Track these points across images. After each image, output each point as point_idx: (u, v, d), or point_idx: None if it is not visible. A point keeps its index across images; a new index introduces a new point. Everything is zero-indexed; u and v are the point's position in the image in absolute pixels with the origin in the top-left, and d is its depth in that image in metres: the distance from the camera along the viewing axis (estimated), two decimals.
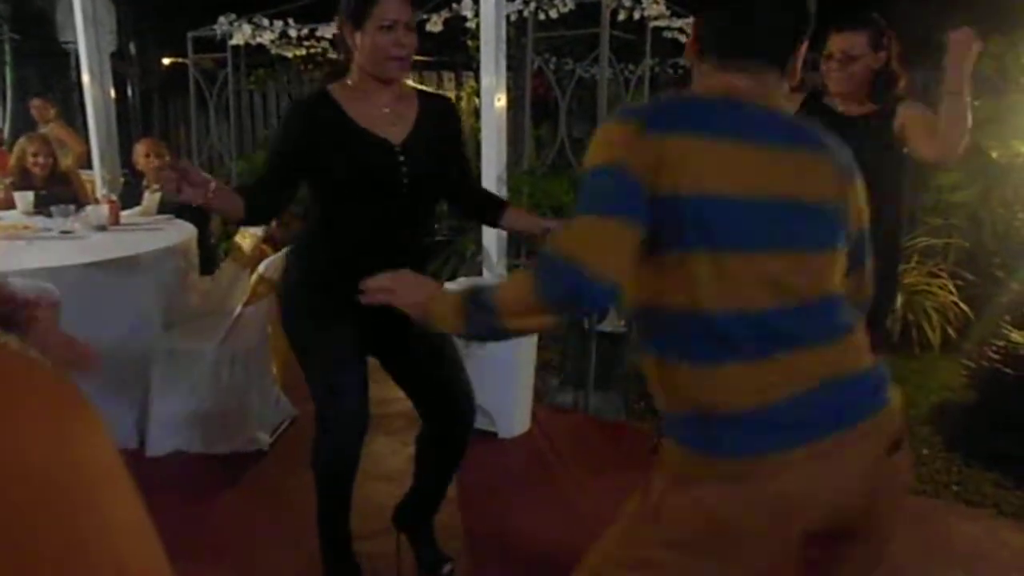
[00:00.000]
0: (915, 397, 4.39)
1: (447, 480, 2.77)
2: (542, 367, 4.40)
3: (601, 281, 1.33)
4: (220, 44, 7.31)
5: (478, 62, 4.29)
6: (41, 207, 4.52)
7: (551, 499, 3.36)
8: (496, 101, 4.13)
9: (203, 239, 4.72)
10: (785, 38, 1.53)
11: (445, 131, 2.56)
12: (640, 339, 1.56)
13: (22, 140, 5.39)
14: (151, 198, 5.05)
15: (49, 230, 4.12)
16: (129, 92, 11.37)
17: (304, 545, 2.83)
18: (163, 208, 4.86)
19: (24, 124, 8.33)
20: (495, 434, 3.92)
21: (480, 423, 3.87)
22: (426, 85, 2.79)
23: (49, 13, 9.45)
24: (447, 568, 2.82)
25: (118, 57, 7.70)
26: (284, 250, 3.74)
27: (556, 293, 1.36)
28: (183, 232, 4.29)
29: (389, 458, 3.49)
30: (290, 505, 3.22)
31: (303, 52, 7.60)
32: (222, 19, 6.91)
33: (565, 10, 5.23)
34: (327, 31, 6.57)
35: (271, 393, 3.93)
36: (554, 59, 6.83)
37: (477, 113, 6.90)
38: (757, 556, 1.48)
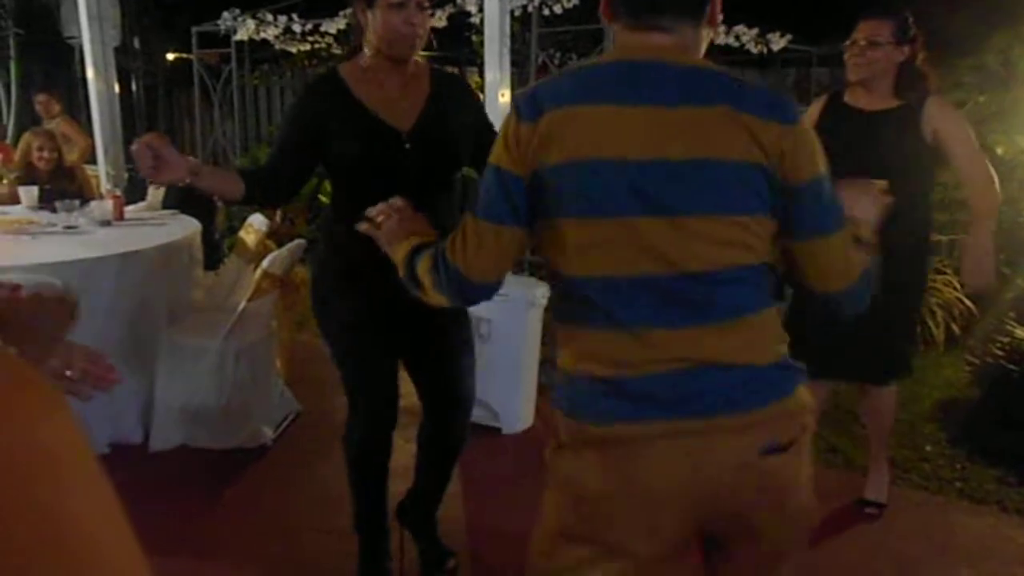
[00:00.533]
0: (919, 394, 4.38)
1: (447, 475, 2.77)
2: (546, 362, 4.39)
3: (481, 282, 1.54)
4: (224, 39, 7.32)
5: (482, 58, 4.28)
6: (46, 202, 4.52)
7: None
8: (500, 97, 4.12)
9: (207, 234, 4.73)
10: None
11: (461, 110, 2.50)
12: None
13: (27, 135, 5.40)
14: (155, 193, 5.06)
15: (54, 225, 4.13)
16: (133, 87, 11.37)
17: (308, 540, 2.83)
18: (167, 203, 4.87)
19: (29, 119, 8.35)
20: (499, 429, 3.92)
21: (484, 418, 3.88)
22: None
23: (53, 8, 9.45)
24: (451, 563, 2.82)
25: (122, 52, 7.69)
26: (289, 245, 3.75)
27: (447, 290, 1.56)
28: (187, 227, 4.29)
29: (394, 454, 3.49)
30: (294, 500, 3.23)
31: (307, 47, 7.60)
32: (226, 14, 6.91)
33: (569, 5, 5.22)
34: (331, 26, 6.57)
35: (275, 388, 3.93)
36: (558, 54, 6.83)
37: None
38: (634, 541, 1.44)
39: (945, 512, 3.33)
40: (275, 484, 3.43)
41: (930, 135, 2.89)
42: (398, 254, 1.67)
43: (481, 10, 4.57)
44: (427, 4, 2.33)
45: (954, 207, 5.39)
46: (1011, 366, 4.07)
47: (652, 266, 1.39)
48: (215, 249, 5.14)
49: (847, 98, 3.05)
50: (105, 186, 5.43)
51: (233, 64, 7.44)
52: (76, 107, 9.17)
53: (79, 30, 5.58)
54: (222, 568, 2.85)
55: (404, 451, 3.50)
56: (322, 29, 6.79)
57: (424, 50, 2.72)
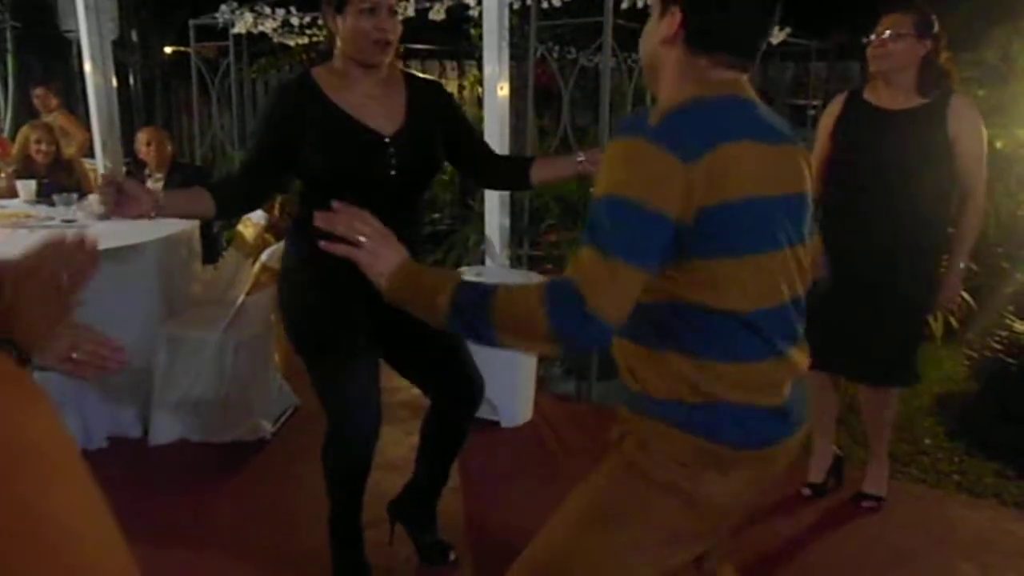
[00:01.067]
0: (918, 387, 4.38)
1: (449, 466, 2.76)
2: (544, 356, 4.40)
3: (612, 325, 1.34)
4: (222, 32, 7.30)
5: (481, 51, 4.27)
6: (44, 195, 4.51)
7: (553, 488, 3.36)
8: (499, 90, 4.12)
9: (206, 228, 4.72)
10: (763, 35, 1.54)
11: (439, 116, 2.49)
12: (642, 334, 1.52)
13: (25, 128, 5.39)
14: (153, 187, 5.04)
15: (52, 219, 4.12)
16: (131, 81, 11.35)
17: (306, 534, 2.84)
18: None
19: (26, 113, 8.32)
20: (497, 423, 3.92)
21: (483, 412, 3.87)
22: (428, 75, 2.75)
23: (51, 1, 9.42)
24: (452, 555, 2.82)
25: (120, 45, 7.67)
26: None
27: (566, 334, 1.35)
28: (185, 221, 4.28)
29: (392, 447, 3.50)
30: (292, 494, 3.23)
31: (305, 40, 7.57)
32: (224, 7, 6.89)
33: None
34: None
35: (274, 382, 3.93)
36: (557, 48, 6.81)
37: (480, 102, 6.88)
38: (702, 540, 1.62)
39: (944, 505, 3.34)
40: (274, 477, 3.43)
41: (955, 132, 2.88)
42: (417, 287, 1.49)
43: (480, 3, 4.56)
44: (397, 9, 2.30)
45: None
46: (1009, 360, 4.08)
47: (787, 293, 1.53)
48: (213, 243, 5.13)
49: (867, 96, 3.02)
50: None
51: (231, 58, 7.42)
52: (74, 100, 9.14)
53: (76, 23, 5.56)
54: (221, 561, 2.85)
55: (403, 445, 3.51)
56: (320, 22, 6.78)
57: (423, 44, 2.70)
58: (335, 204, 1.56)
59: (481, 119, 4.37)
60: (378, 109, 2.35)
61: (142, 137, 5.16)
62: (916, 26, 2.86)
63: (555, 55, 6.34)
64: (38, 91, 6.94)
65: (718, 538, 1.67)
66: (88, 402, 3.55)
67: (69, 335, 0.94)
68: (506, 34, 4.14)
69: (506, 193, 4.25)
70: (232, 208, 2.37)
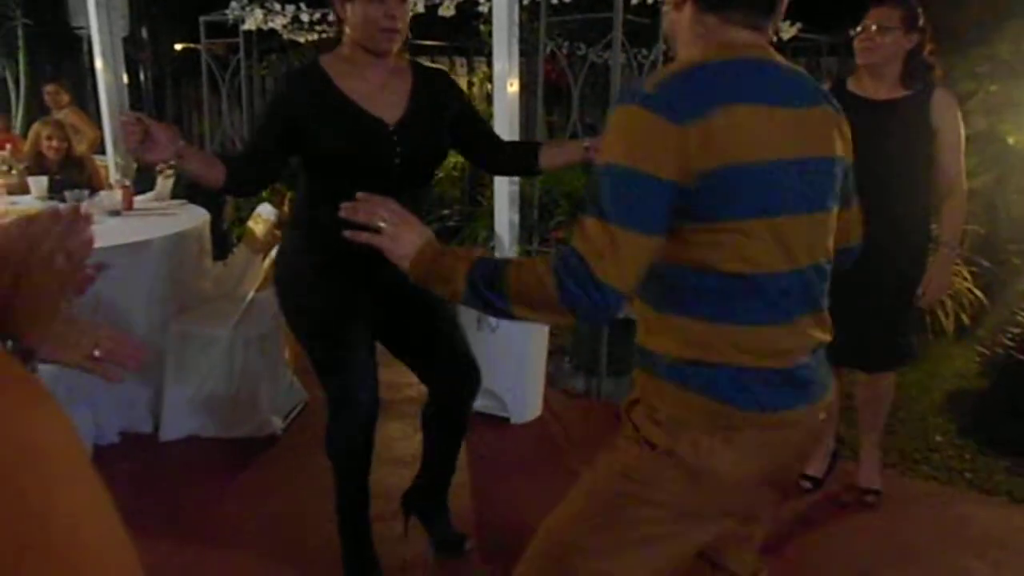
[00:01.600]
0: (929, 384, 4.37)
1: (454, 453, 2.77)
2: (554, 352, 4.40)
3: (622, 294, 1.37)
4: (232, 29, 7.31)
5: (490, 47, 4.27)
6: (55, 192, 4.53)
7: (562, 484, 3.36)
8: (508, 86, 4.11)
9: (216, 224, 4.74)
10: None
11: (445, 103, 2.49)
12: (652, 295, 1.53)
13: (37, 125, 5.41)
14: (164, 183, 5.07)
15: None
16: (141, 77, 11.38)
17: (317, 529, 2.84)
18: (176, 193, 4.88)
19: (38, 110, 8.36)
20: (507, 419, 3.92)
21: (492, 408, 3.89)
22: None
23: None
24: (468, 545, 2.84)
25: (130, 42, 7.69)
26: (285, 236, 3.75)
27: (576, 302, 1.36)
28: (196, 217, 4.30)
29: (401, 442, 3.50)
30: (303, 489, 3.24)
31: (315, 37, 7.58)
32: (234, 3, 6.90)
33: None
34: None
35: (284, 378, 3.94)
36: (567, 44, 6.80)
37: (489, 98, 6.88)
38: (737, 506, 1.60)
39: (955, 503, 3.33)
40: (285, 473, 3.44)
41: (936, 124, 2.92)
42: (438, 267, 1.50)
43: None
44: None
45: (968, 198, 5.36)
46: (1021, 356, 4.05)
47: (804, 259, 1.50)
48: (224, 239, 5.15)
49: (852, 86, 3.04)
50: (114, 176, 5.43)
51: (241, 54, 7.43)
52: (84, 97, 9.17)
53: (87, 20, 5.58)
54: (231, 555, 2.86)
55: (412, 440, 3.51)
56: (330, 19, 6.78)
57: (432, 39, 2.71)
58: (359, 195, 1.59)
59: (490, 115, 4.37)
60: (384, 97, 2.36)
61: None
62: (903, 20, 2.88)
63: (565, 51, 6.33)
64: (49, 88, 6.97)
65: (735, 528, 1.64)
66: (100, 397, 3.57)
67: (91, 333, 0.93)
68: (516, 30, 4.13)
69: (515, 189, 4.25)
70: (238, 185, 2.36)
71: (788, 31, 6.23)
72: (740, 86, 1.42)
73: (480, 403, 3.94)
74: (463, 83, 10.30)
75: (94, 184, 4.99)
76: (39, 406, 0.43)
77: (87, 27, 5.80)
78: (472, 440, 3.75)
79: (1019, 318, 4.27)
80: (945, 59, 3.00)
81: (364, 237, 1.56)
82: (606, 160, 1.40)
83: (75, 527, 0.41)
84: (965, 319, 4.98)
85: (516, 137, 4.19)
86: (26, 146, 5.36)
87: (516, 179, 4.17)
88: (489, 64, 5.28)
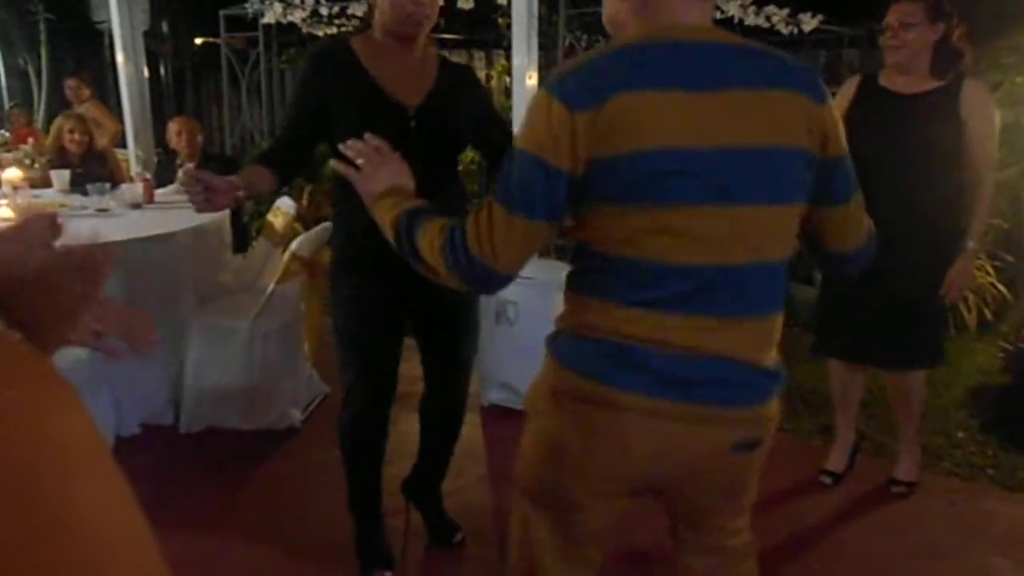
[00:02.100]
0: (951, 379, 4.34)
1: (446, 448, 2.81)
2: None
3: (505, 273, 1.45)
4: (252, 23, 7.33)
5: (509, 40, 4.25)
6: (77, 185, 4.57)
7: None
8: (527, 79, 4.10)
9: (236, 217, 4.76)
10: None
11: (466, 98, 2.50)
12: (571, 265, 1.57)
13: (59, 119, 5.45)
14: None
15: (85, 208, 4.16)
16: (162, 71, 11.44)
17: (336, 521, 2.85)
18: None
19: (59, 104, 8.42)
20: (523, 412, 3.91)
21: (509, 401, 3.88)
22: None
23: None
24: (458, 536, 2.85)
25: (151, 36, 7.74)
26: (316, 227, 3.76)
27: (461, 274, 1.45)
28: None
29: (416, 436, 3.51)
30: (321, 481, 3.25)
31: (334, 30, 7.59)
32: None
33: None
34: (358, 9, 6.55)
35: (303, 370, 3.95)
36: (586, 36, 6.77)
37: (508, 92, 6.86)
38: (599, 483, 1.53)
39: (977, 499, 3.30)
40: (303, 465, 3.45)
41: (965, 113, 2.87)
42: (381, 211, 1.60)
43: None
44: None
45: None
46: None
47: (704, 256, 1.40)
48: (244, 232, 5.17)
49: (883, 81, 3.01)
50: (135, 169, 5.47)
51: (260, 48, 7.45)
52: (106, 91, 9.23)
53: (108, 14, 5.61)
54: (251, 547, 2.87)
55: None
56: (349, 12, 6.78)
57: (451, 33, 2.71)
58: (366, 135, 1.70)
59: (509, 109, 4.36)
60: (407, 81, 2.37)
61: (173, 127, 5.20)
62: (926, 12, 2.85)
63: (584, 44, 6.30)
64: (70, 82, 7.01)
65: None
66: (120, 389, 3.59)
67: (93, 309, 0.88)
68: (535, 23, 4.12)
69: None
70: (288, 178, 2.45)
71: (809, 23, 6.17)
72: (650, 71, 1.36)
73: (497, 395, 3.95)
74: (481, 76, 10.28)
75: (115, 177, 5.02)
76: (57, 398, 0.42)
77: (108, 21, 5.83)
78: (489, 432, 3.75)
79: None
80: (970, 46, 2.96)
81: (341, 168, 1.67)
82: (515, 143, 1.44)
83: (91, 521, 0.41)
84: (988, 314, 4.93)
85: None
86: (48, 140, 5.40)
87: None
88: (508, 57, 5.27)
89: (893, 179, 2.91)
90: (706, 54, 1.40)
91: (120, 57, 5.45)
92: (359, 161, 1.66)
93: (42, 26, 10.47)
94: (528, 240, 1.43)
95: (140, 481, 0.50)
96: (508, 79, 7.04)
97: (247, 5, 6.98)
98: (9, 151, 6.46)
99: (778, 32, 6.10)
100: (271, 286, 3.67)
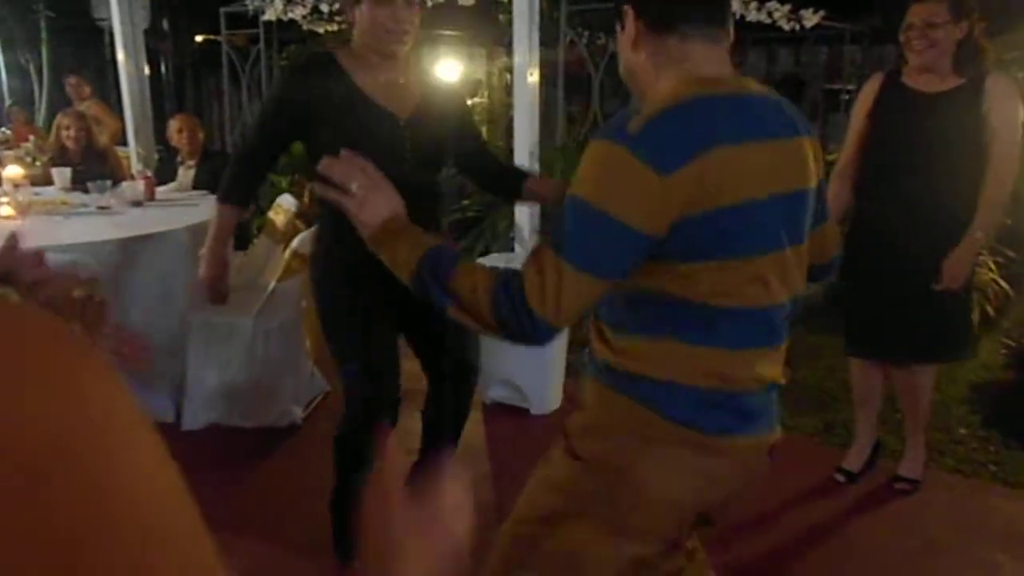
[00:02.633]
0: (953, 375, 4.33)
1: (454, 444, 2.80)
2: (574, 344, 4.38)
3: (555, 328, 1.35)
4: (253, 20, 7.32)
5: (510, 37, 4.24)
6: (78, 183, 4.57)
7: None
8: (529, 76, 4.09)
9: None
10: None
11: (451, 109, 2.51)
12: (607, 313, 1.53)
13: (59, 117, 5.45)
14: (185, 174, 5.09)
15: (86, 206, 4.16)
16: (163, 68, 11.43)
17: None
18: (198, 184, 4.90)
19: (61, 102, 8.42)
20: (527, 410, 3.92)
21: (512, 399, 3.88)
22: (457, 61, 2.76)
23: None
24: None
25: (151, 33, 7.73)
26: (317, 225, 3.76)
27: (507, 325, 1.36)
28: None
29: (418, 434, 3.50)
30: (323, 478, 3.25)
31: (335, 28, 7.58)
32: None
33: None
34: None
35: (304, 368, 3.95)
36: (587, 33, 6.76)
37: (509, 89, 6.85)
38: (671, 533, 1.59)
39: (979, 496, 3.30)
40: (305, 462, 3.45)
41: (987, 110, 2.85)
42: (389, 245, 1.48)
43: None
44: (415, 0, 2.30)
45: None
46: None
47: (782, 294, 1.47)
48: (245, 229, 5.16)
49: (906, 79, 2.99)
50: (136, 167, 5.47)
51: (261, 45, 7.44)
52: (106, 89, 9.23)
53: (108, 12, 5.61)
54: (252, 545, 2.87)
55: None
56: None
57: (451, 30, 2.72)
58: (343, 152, 1.56)
59: (510, 106, 4.35)
60: (395, 93, 2.37)
61: (174, 125, 5.20)
62: (951, 11, 2.82)
63: (585, 40, 6.29)
64: (71, 80, 7.01)
65: (655, 559, 1.61)
66: None
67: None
68: (537, 19, 4.11)
69: None
70: (252, 199, 2.61)
71: (811, 19, 6.16)
72: (720, 126, 1.36)
73: (500, 394, 3.95)
74: (482, 74, 10.26)
75: (116, 175, 5.02)
76: (105, 381, 0.42)
77: (109, 19, 5.82)
78: (492, 431, 3.75)
79: None
80: (991, 42, 2.95)
81: (332, 195, 1.52)
82: (575, 193, 1.35)
83: (146, 516, 0.41)
84: (990, 310, 4.93)
85: (536, 128, 4.18)
86: (50, 138, 5.40)
87: (535, 169, 4.15)
88: (509, 54, 5.26)
89: (919, 177, 2.91)
90: (757, 106, 1.45)
91: (120, 55, 5.45)
92: (352, 186, 1.52)
93: (43, 24, 10.46)
94: (592, 299, 1.37)
95: None
96: (509, 77, 7.03)
97: (247, 2, 6.97)
98: (11, 149, 6.46)
99: (779, 28, 6.09)
100: (273, 283, 3.67)
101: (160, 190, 4.62)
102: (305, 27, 7.45)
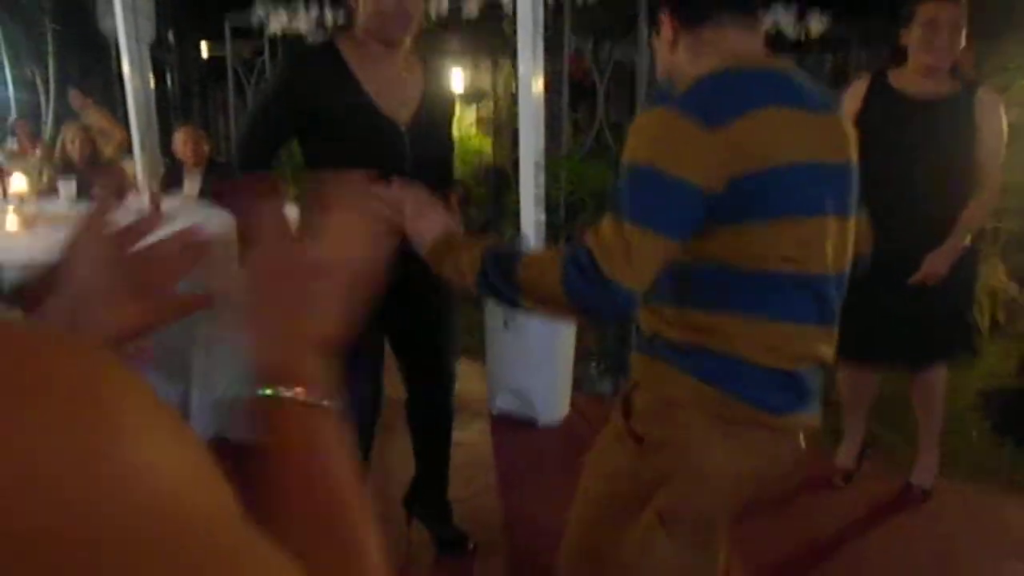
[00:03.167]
0: (963, 382, 4.29)
1: (441, 455, 2.77)
2: (581, 355, 4.36)
3: (632, 293, 1.35)
4: (259, 33, 7.34)
5: (515, 47, 4.23)
6: (84, 195, 4.56)
7: None
8: (533, 86, 4.08)
9: None
10: None
11: (447, 109, 2.50)
12: (663, 288, 1.51)
13: (63, 129, 5.46)
14: (191, 184, 5.09)
15: None
16: (169, 81, 11.46)
17: None
18: (203, 192, 4.90)
19: (67, 115, 8.44)
20: (534, 421, 3.89)
21: (519, 410, 3.86)
22: (462, 71, 2.73)
23: (89, 2, 9.55)
24: (471, 545, 2.81)
25: (157, 46, 7.75)
26: None
27: (584, 299, 1.36)
28: (223, 220, 4.30)
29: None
30: None
31: None
32: (259, 6, 6.93)
33: None
34: None
35: None
36: (592, 41, 6.77)
37: (514, 97, 6.85)
38: (738, 499, 1.60)
39: (993, 503, 3.27)
40: None
41: (979, 122, 2.86)
42: (449, 256, 1.50)
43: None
44: None
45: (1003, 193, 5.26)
46: None
47: (833, 265, 1.48)
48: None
49: (894, 82, 2.96)
50: (141, 180, 5.47)
51: (266, 56, 7.46)
52: (113, 101, 9.24)
53: (114, 24, 5.62)
54: None
55: None
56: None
57: (455, 40, 2.70)
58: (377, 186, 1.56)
59: (515, 115, 4.34)
60: (397, 92, 2.31)
61: (180, 136, 5.20)
62: (965, 13, 2.80)
63: (591, 48, 6.29)
64: (73, 92, 7.02)
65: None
66: None
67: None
68: (541, 29, 4.10)
69: (540, 189, 4.22)
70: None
71: (816, 25, 6.15)
72: (767, 89, 1.42)
73: (507, 404, 3.93)
74: (487, 82, 10.26)
75: (123, 187, 5.01)
76: (148, 424, 0.39)
77: (114, 32, 5.84)
78: (499, 441, 3.73)
79: None
80: (977, 52, 2.95)
81: (389, 216, 1.53)
82: (629, 161, 1.38)
83: (156, 478, 0.37)
84: (1000, 316, 4.89)
85: (542, 137, 4.16)
86: (56, 153, 5.40)
87: (540, 179, 4.14)
88: (513, 64, 5.27)
89: (907, 182, 2.89)
90: (796, 80, 1.47)
91: (126, 68, 5.46)
92: (406, 208, 1.55)
93: (49, 37, 10.50)
94: (662, 258, 1.37)
95: None
96: (514, 84, 7.03)
97: (253, 15, 6.99)
98: (17, 161, 6.46)
99: (784, 37, 6.08)
100: None
101: (166, 200, 4.61)
102: (310, 40, 7.47)
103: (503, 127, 7.89)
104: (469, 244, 1.51)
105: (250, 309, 0.66)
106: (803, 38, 6.21)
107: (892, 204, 2.91)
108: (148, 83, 5.60)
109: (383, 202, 1.54)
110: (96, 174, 5.09)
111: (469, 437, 3.57)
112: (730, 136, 1.33)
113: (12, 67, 11.25)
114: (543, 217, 4.29)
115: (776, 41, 6.43)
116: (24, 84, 11.30)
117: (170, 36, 11.43)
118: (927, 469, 3.25)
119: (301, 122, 2.27)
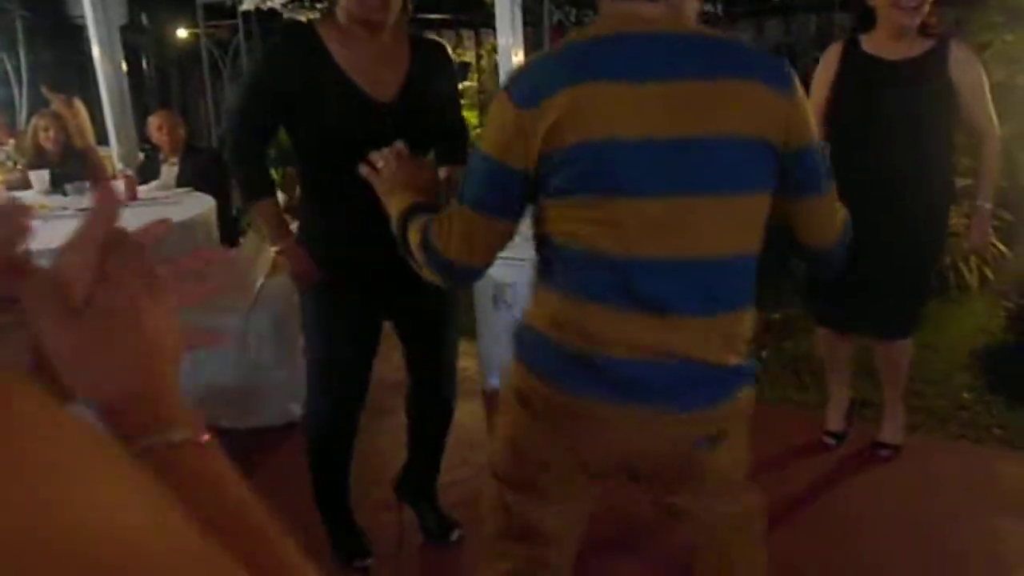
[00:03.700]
0: (954, 341, 4.30)
1: (437, 443, 2.76)
2: None
3: (472, 269, 1.53)
4: (232, 11, 7.23)
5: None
6: (56, 186, 4.49)
7: None
8: (514, 57, 4.02)
9: (224, 211, 4.67)
10: None
11: (439, 82, 2.39)
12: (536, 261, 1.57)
13: (35, 118, 5.35)
14: (169, 171, 5.01)
15: (65, 209, 4.09)
16: (144, 64, 11.29)
17: None
18: (182, 181, 4.83)
19: (40, 105, 8.31)
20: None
21: None
22: (444, 44, 2.65)
23: None
24: (456, 534, 2.79)
25: (131, 30, 7.62)
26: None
27: (435, 272, 1.54)
28: (202, 205, 4.24)
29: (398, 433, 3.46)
30: None
31: (315, 15, 7.49)
32: None
33: None
34: None
35: (301, 364, 3.89)
36: (574, 11, 6.69)
37: (497, 71, 6.78)
38: (554, 482, 1.56)
39: (985, 460, 3.28)
40: (304, 462, 3.40)
41: (956, 78, 2.82)
42: (393, 205, 1.65)
43: None
44: None
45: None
46: None
47: (658, 248, 1.38)
48: (232, 226, 5.09)
49: (867, 47, 2.93)
50: (117, 167, 5.38)
51: (240, 36, 7.36)
52: (86, 87, 9.10)
53: (84, 9, 5.51)
54: None
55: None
56: None
57: (437, 13, 2.63)
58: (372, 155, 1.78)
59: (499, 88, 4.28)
60: (379, 72, 2.25)
61: (154, 121, 5.11)
62: None
63: (573, 19, 6.21)
64: (44, 86, 6.90)
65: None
66: None
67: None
68: (519, 0, 4.03)
69: None
70: (272, 182, 2.49)
71: None
72: (595, 65, 1.37)
73: (499, 380, 3.89)
74: (471, 57, 10.17)
75: (98, 175, 4.93)
76: (110, 479, 0.36)
77: (85, 16, 5.72)
78: (491, 419, 3.70)
79: None
80: (960, 10, 2.91)
81: (364, 170, 1.76)
82: (477, 143, 1.49)
83: (95, 519, 0.34)
84: (988, 273, 4.89)
85: None
86: (27, 141, 5.30)
87: None
88: (495, 36, 5.20)
89: (884, 148, 2.87)
90: (655, 45, 1.38)
91: (96, 52, 5.36)
92: (379, 164, 1.74)
93: (18, 24, 10.33)
94: (488, 237, 1.48)
95: None
96: (497, 58, 6.96)
97: None
98: None
99: None
100: (261, 280, 3.61)
101: (143, 189, 4.55)
102: (285, 16, 7.36)
103: (488, 100, 7.82)
104: (405, 198, 1.64)
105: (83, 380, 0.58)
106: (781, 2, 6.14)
107: (870, 168, 2.87)
108: (120, 67, 5.50)
109: (369, 166, 1.73)
110: (70, 163, 4.99)
111: (463, 417, 3.54)
112: (537, 115, 1.35)
113: None
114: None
115: (762, 2, 6.38)
116: None
117: (143, 18, 11.26)
118: (894, 427, 3.26)
119: (284, 108, 2.24)
